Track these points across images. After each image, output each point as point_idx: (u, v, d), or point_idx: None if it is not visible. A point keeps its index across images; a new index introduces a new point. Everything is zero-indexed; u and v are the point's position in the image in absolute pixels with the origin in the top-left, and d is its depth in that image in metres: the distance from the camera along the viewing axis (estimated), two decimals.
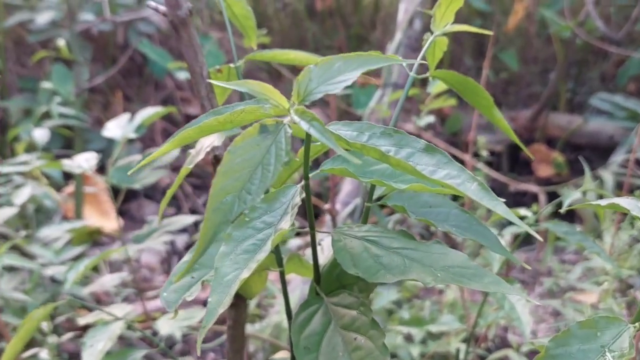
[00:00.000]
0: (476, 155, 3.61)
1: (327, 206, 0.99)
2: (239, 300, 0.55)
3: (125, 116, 1.16)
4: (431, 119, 1.21)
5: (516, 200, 3.04)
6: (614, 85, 3.66)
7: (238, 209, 0.30)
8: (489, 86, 4.17)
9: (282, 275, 0.50)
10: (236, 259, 0.33)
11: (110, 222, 2.08)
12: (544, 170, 3.37)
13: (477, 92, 0.49)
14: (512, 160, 3.31)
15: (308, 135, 0.34)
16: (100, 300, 1.49)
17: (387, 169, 0.42)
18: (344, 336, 0.41)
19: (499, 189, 3.01)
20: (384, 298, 1.45)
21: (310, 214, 0.43)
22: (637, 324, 0.36)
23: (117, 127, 1.11)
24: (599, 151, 3.24)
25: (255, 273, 0.51)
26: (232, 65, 0.50)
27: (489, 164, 3.26)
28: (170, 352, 0.74)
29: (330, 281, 0.46)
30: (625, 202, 0.42)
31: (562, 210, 0.45)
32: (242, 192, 0.29)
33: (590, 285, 1.53)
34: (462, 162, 1.67)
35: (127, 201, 2.34)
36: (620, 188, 2.41)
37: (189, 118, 3.47)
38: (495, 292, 0.77)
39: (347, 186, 2.13)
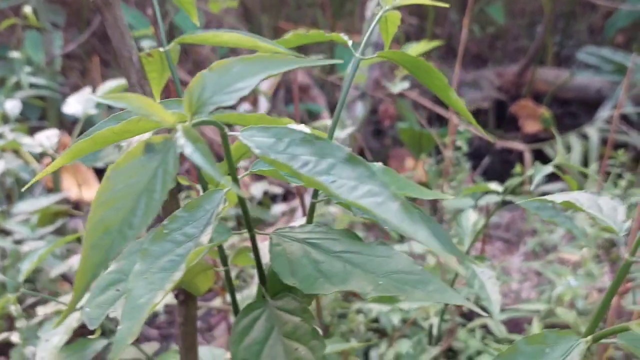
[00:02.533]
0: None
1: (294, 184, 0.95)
2: (188, 297, 0.53)
3: (87, 90, 1.11)
4: (406, 84, 1.17)
5: (502, 157, 3.02)
6: (602, 38, 3.59)
7: (119, 246, 0.26)
8: (475, 42, 4.10)
9: (227, 274, 0.48)
10: (152, 279, 0.30)
11: (91, 192, 2.04)
12: (531, 126, 3.34)
13: (429, 73, 0.45)
14: (499, 117, 3.28)
15: (224, 136, 0.31)
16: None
17: None
18: (286, 346, 0.39)
19: (485, 148, 2.99)
20: None
21: (247, 214, 0.40)
22: (589, 337, 0.33)
23: (78, 103, 1.06)
24: (586, 106, 3.20)
25: (201, 271, 0.49)
26: (162, 49, 0.46)
27: (476, 121, 3.23)
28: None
29: (276, 281, 0.42)
30: (582, 197, 0.39)
31: (520, 203, 0.42)
32: (124, 226, 0.26)
33: (572, 248, 1.52)
34: (446, 120, 1.62)
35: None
36: (605, 144, 2.39)
37: (170, 82, 3.38)
38: (466, 270, 0.75)
39: None
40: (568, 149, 2.54)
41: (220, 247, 0.47)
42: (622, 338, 0.34)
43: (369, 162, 0.33)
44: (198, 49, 3.26)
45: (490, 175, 2.64)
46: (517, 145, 2.85)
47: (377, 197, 0.26)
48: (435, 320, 0.91)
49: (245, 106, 3.02)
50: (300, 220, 1.49)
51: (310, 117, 2.86)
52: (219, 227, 0.40)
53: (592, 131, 2.19)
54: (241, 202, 0.38)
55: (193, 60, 3.34)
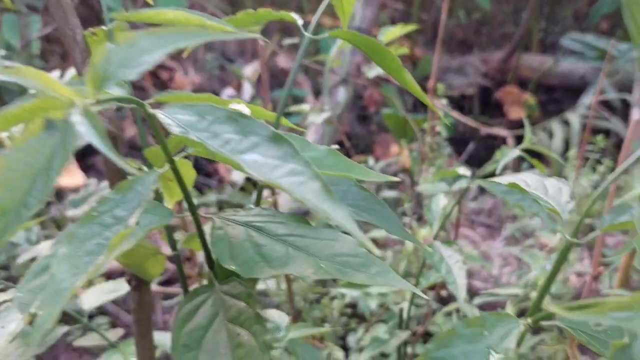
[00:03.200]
0: (446, 98, 3.55)
1: None
2: (141, 283, 0.51)
3: (55, 74, 1.08)
4: (380, 69, 1.15)
5: (487, 144, 3.02)
6: (587, 24, 3.59)
7: (14, 227, 0.25)
8: (461, 28, 4.09)
9: (177, 258, 0.46)
10: (77, 262, 0.29)
11: (73, 178, 2.02)
12: (515, 113, 3.34)
13: (383, 54, 0.43)
14: (484, 103, 3.28)
15: (150, 115, 0.29)
16: None
17: None
18: (229, 331, 0.38)
19: (469, 134, 2.98)
20: None
21: (188, 196, 0.38)
22: (529, 320, 0.32)
23: None
24: (570, 92, 3.21)
25: (150, 256, 0.47)
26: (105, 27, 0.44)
27: (461, 107, 3.22)
28: (92, 326, 0.71)
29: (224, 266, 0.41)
30: (529, 178, 0.38)
31: (487, 187, 0.41)
32: (20, 206, 0.24)
33: (548, 233, 1.53)
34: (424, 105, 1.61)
35: (92, 155, 2.27)
36: (592, 131, 2.39)
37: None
38: (432, 255, 0.75)
39: (311, 137, 2.08)
40: (550, 135, 2.55)
41: (169, 232, 0.46)
42: (561, 321, 0.34)
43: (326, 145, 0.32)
44: None
45: (474, 161, 2.64)
46: (501, 131, 2.85)
47: (299, 177, 0.25)
48: (405, 305, 0.90)
49: (229, 91, 2.99)
50: (285, 204, 1.47)
51: (295, 102, 2.84)
52: (161, 210, 0.39)
53: (574, 117, 2.19)
54: (179, 182, 0.37)
55: None
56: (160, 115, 0.29)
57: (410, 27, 1.11)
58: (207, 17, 0.41)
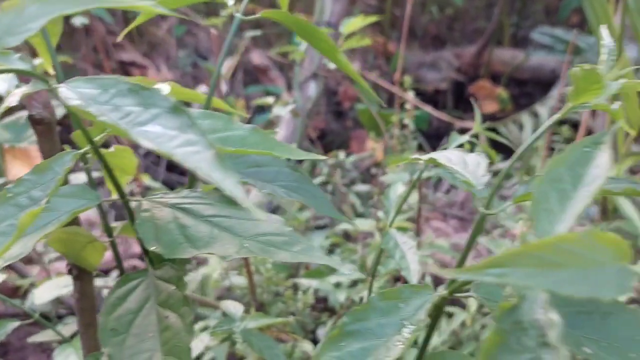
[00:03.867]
0: (419, 93, 3.58)
1: None
2: (82, 272, 0.51)
3: None
4: None
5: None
6: (557, 18, 3.64)
7: None
8: (434, 23, 4.11)
9: (113, 246, 0.46)
10: None
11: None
12: (489, 106, 3.37)
13: (315, 34, 0.43)
14: (457, 97, 3.30)
15: (54, 91, 0.29)
16: (31, 260, 1.42)
17: (210, 130, 0.37)
18: (159, 314, 0.37)
19: (444, 128, 3.01)
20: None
21: (114, 179, 0.38)
22: (444, 292, 0.33)
23: (2, 81, 1.01)
24: (541, 85, 3.25)
25: (87, 244, 0.47)
26: None
27: (435, 102, 3.25)
28: (45, 321, 0.70)
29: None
30: (453, 154, 0.38)
31: (414, 159, 0.42)
32: None
33: (511, 221, 1.55)
34: (403, 102, 1.62)
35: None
36: (557, 123, 2.43)
37: (122, 64, 3.27)
38: (387, 243, 0.75)
39: (282, 132, 2.08)
40: (521, 127, 2.58)
41: (104, 218, 0.46)
42: (475, 291, 0.34)
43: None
44: (154, 31, 3.19)
45: None
46: (472, 125, 2.86)
47: (194, 146, 0.25)
48: (365, 294, 0.91)
49: (203, 89, 2.96)
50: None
51: (269, 96, 2.82)
52: (88, 193, 0.38)
53: (542, 109, 2.23)
54: (103, 164, 0.36)
55: (148, 42, 3.27)
56: (62, 88, 0.29)
57: (372, 19, 1.11)
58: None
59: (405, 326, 0.31)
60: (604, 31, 0.32)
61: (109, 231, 0.45)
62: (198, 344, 0.65)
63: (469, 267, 0.20)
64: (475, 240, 0.36)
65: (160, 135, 0.26)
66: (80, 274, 0.51)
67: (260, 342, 0.68)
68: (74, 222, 0.47)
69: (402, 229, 0.75)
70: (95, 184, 0.44)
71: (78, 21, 1.26)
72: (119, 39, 0.49)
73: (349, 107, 3.32)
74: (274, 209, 1.72)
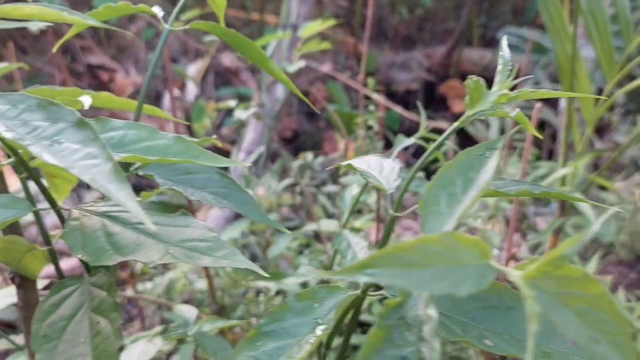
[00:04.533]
0: (391, 94, 3.61)
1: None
2: (25, 280, 0.51)
3: None
4: (302, 63, 1.17)
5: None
6: (525, 18, 3.71)
7: None
8: (404, 24, 4.14)
9: (52, 254, 0.47)
10: None
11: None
12: (459, 106, 3.42)
13: (246, 45, 0.45)
14: (428, 97, 3.34)
15: None
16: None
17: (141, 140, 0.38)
18: (91, 320, 0.38)
19: (415, 129, 3.04)
20: (279, 246, 1.45)
21: (45, 191, 0.39)
22: (358, 291, 0.34)
23: None
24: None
25: (26, 252, 0.47)
26: None
27: (406, 102, 3.28)
28: None
29: None
30: (372, 160, 0.40)
31: (340, 165, 0.43)
32: None
33: (471, 219, 1.58)
34: (367, 104, 1.64)
35: None
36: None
37: (90, 68, 3.23)
38: (339, 244, 0.77)
39: (250, 134, 2.08)
40: (487, 125, 2.62)
41: (41, 226, 0.46)
42: (387, 290, 0.36)
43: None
44: (122, 34, 3.16)
45: (421, 154, 2.70)
46: (442, 124, 2.91)
47: (94, 159, 0.26)
48: None
49: (173, 91, 2.94)
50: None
51: (241, 100, 2.83)
52: (20, 203, 0.39)
53: (507, 108, 2.27)
54: (33, 177, 0.37)
55: (117, 45, 3.24)
56: None
57: (330, 22, 1.13)
58: (65, 11, 0.42)
59: (319, 325, 0.32)
60: (503, 42, 0.34)
61: (46, 239, 0.46)
62: (151, 347, 0.65)
63: (345, 268, 0.21)
64: (386, 242, 0.37)
65: (64, 149, 0.27)
66: (23, 282, 0.51)
67: (214, 344, 0.69)
68: (14, 231, 0.48)
69: (355, 230, 0.77)
70: (29, 193, 0.44)
71: (34, 27, 1.25)
72: (54, 50, 0.50)
73: (321, 108, 3.34)
74: (238, 214, 1.73)
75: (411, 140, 0.72)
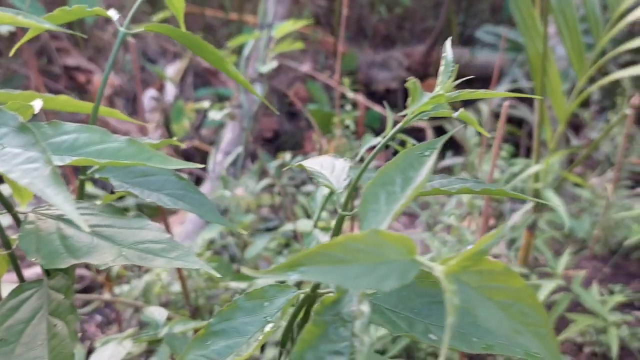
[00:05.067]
0: (371, 93, 3.62)
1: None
2: None
3: None
4: (275, 64, 1.17)
5: (413, 136, 3.12)
6: (502, 16, 3.75)
7: None
8: (384, 23, 4.16)
9: (12, 258, 0.47)
10: None
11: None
12: None
13: (202, 47, 0.45)
14: (408, 96, 3.37)
15: None
16: None
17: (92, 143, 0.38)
18: (49, 323, 0.39)
19: (394, 127, 3.07)
20: (257, 247, 1.46)
21: (1, 195, 0.39)
22: (307, 289, 0.35)
23: None
24: (488, 83, 3.34)
25: None
26: None
27: (386, 101, 3.30)
28: None
29: None
30: (325, 160, 0.41)
31: (292, 165, 0.44)
32: None
33: (447, 217, 1.60)
34: (353, 103, 1.65)
35: None
36: (497, 117, 2.51)
37: (66, 69, 3.20)
38: (309, 243, 0.77)
39: (228, 134, 2.08)
40: (464, 122, 2.65)
41: (2, 233, 0.46)
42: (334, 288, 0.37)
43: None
44: (100, 35, 3.14)
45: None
46: (421, 123, 2.94)
47: (34, 163, 0.26)
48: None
49: (151, 92, 2.93)
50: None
51: (221, 100, 2.82)
52: None
53: (484, 106, 2.30)
54: None
55: (94, 46, 3.21)
56: None
57: (303, 23, 1.13)
58: (21, 15, 0.42)
59: (269, 323, 0.33)
60: (447, 44, 0.35)
61: (6, 243, 0.46)
62: (120, 349, 0.66)
63: (276, 267, 0.22)
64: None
65: (5, 153, 0.27)
66: None
67: (183, 344, 0.70)
68: None
69: (326, 229, 0.78)
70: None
71: (4, 29, 1.24)
72: (10, 54, 0.50)
73: (301, 107, 3.34)
74: (221, 212, 1.73)
75: (378, 140, 0.73)
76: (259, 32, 1.97)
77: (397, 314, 0.33)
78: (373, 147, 0.86)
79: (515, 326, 0.22)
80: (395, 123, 2.43)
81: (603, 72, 2.47)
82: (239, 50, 3.19)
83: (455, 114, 0.35)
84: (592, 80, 2.04)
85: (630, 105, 1.51)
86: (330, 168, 0.40)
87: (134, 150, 0.36)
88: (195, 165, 0.38)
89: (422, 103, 0.32)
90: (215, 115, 1.16)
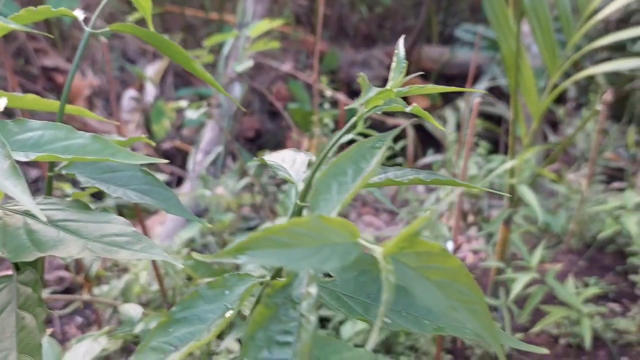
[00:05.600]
0: (352, 92, 3.65)
1: None
2: None
3: None
4: (250, 63, 1.18)
5: (396, 135, 3.15)
6: (481, 16, 3.79)
7: None
8: (365, 22, 4.19)
9: None
10: None
11: None
12: (419, 102, 3.47)
13: (169, 46, 0.46)
14: None
15: None
16: None
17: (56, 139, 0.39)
18: (18, 316, 0.39)
19: (377, 126, 3.09)
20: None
21: None
22: (267, 279, 0.36)
23: None
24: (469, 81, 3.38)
25: None
26: None
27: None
28: None
29: None
30: (287, 154, 0.42)
31: (255, 161, 0.45)
32: None
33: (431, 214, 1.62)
34: (335, 101, 1.66)
35: None
36: (480, 116, 2.54)
37: (45, 70, 3.17)
38: None
39: (208, 134, 2.09)
40: (444, 121, 2.69)
41: None
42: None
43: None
44: (78, 35, 3.12)
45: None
46: (400, 121, 2.97)
47: None
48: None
49: (131, 93, 2.92)
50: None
51: (202, 99, 2.82)
52: None
53: (462, 104, 2.34)
54: None
55: (72, 46, 3.19)
56: None
57: (279, 22, 1.14)
58: None
59: (229, 310, 0.34)
60: (400, 42, 0.37)
61: None
62: (95, 346, 0.66)
63: (224, 251, 0.23)
64: None
65: None
66: None
67: None
68: None
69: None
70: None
71: None
72: None
73: (282, 107, 3.35)
74: (200, 213, 1.73)
75: (350, 136, 0.74)
76: (238, 31, 1.98)
77: (354, 299, 0.34)
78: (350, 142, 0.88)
79: (452, 303, 0.24)
80: (378, 123, 2.45)
81: (580, 69, 2.51)
82: (218, 50, 3.19)
83: (408, 109, 0.37)
84: (567, 77, 2.08)
85: (602, 101, 1.54)
86: (291, 162, 0.42)
87: (98, 146, 0.37)
88: (160, 161, 0.39)
89: (369, 97, 0.34)
90: (192, 114, 1.17)
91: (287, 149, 0.44)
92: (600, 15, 1.38)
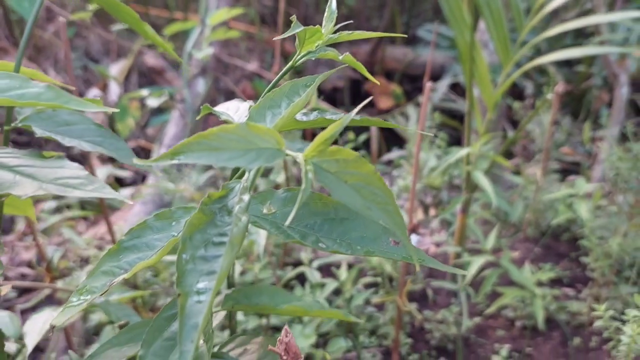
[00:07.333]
0: (318, 91, 3.68)
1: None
2: None
3: None
4: (210, 50, 1.21)
5: (359, 132, 3.19)
6: (444, 16, 3.87)
7: None
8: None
9: None
10: None
11: None
12: (384, 102, 3.53)
13: (119, 9, 0.48)
14: (355, 94, 3.44)
15: None
16: None
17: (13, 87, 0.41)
18: None
19: (349, 125, 3.13)
20: None
21: None
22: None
23: None
24: (432, 80, 3.46)
25: None
26: None
27: (332, 99, 3.36)
28: None
29: None
30: (222, 106, 0.45)
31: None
32: None
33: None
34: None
35: None
36: (442, 112, 2.61)
37: None
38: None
39: (172, 129, 2.09)
40: (407, 117, 2.75)
41: None
42: None
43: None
44: (40, 34, 3.08)
45: (371, 145, 2.78)
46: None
47: None
48: (237, 268, 0.97)
49: (95, 92, 2.90)
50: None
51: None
52: None
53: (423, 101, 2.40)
54: None
55: (34, 45, 3.15)
56: None
57: (237, 11, 1.17)
58: None
59: (175, 239, 0.37)
60: (333, 1, 0.40)
61: None
62: (54, 315, 0.67)
63: (160, 156, 0.26)
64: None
65: None
66: None
67: (119, 311, 0.72)
68: None
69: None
70: None
71: None
72: None
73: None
74: (164, 206, 1.74)
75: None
76: (200, 27, 2.00)
77: (292, 228, 0.37)
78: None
79: (367, 204, 0.27)
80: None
81: (538, 67, 2.61)
82: (182, 47, 3.19)
83: (341, 57, 0.40)
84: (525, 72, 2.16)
85: (555, 91, 1.62)
86: (235, 109, 0.44)
87: (53, 94, 0.40)
88: (108, 109, 0.41)
89: (295, 32, 0.37)
90: (153, 102, 1.18)
91: (233, 100, 0.47)
92: (549, 7, 1.45)
